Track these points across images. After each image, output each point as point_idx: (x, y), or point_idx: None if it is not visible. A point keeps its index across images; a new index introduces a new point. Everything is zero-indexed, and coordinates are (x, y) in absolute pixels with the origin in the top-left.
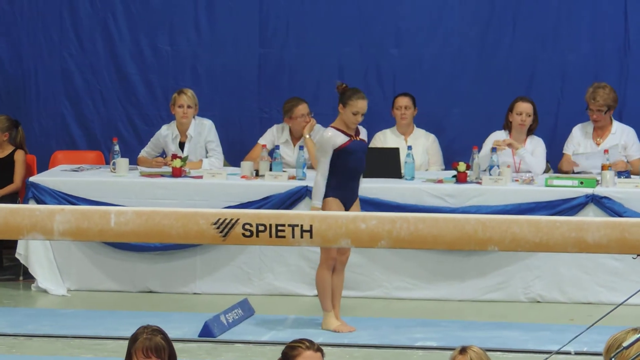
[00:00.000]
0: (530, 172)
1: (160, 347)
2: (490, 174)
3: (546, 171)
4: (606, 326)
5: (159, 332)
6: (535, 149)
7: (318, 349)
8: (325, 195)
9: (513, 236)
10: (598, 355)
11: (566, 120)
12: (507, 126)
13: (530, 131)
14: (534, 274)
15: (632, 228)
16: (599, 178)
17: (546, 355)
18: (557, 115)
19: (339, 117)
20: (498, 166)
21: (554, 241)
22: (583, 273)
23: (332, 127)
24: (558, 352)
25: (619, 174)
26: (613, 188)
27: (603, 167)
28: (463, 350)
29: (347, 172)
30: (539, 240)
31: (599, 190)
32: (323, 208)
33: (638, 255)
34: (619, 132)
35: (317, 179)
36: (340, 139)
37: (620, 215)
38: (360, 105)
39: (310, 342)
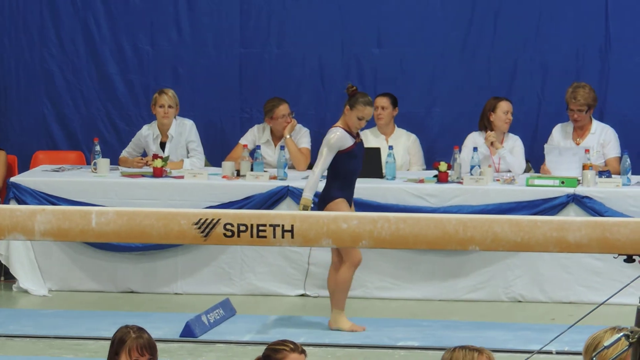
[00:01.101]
0: (510, 171)
1: (152, 344)
2: (472, 174)
3: (527, 171)
4: (587, 326)
5: (144, 330)
6: (513, 148)
7: (302, 350)
8: (333, 197)
9: (494, 236)
10: (579, 355)
11: (547, 120)
12: (485, 126)
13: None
14: (515, 273)
15: (613, 227)
16: (580, 178)
17: (527, 355)
18: (538, 115)
19: (343, 118)
20: (479, 166)
21: (535, 241)
22: (564, 273)
23: (339, 127)
24: (539, 352)
25: (600, 173)
26: (594, 188)
27: (584, 167)
28: (479, 351)
29: (351, 174)
30: (520, 239)
31: (580, 190)
32: (333, 209)
33: (619, 255)
34: (599, 131)
35: (315, 172)
36: (348, 142)
37: (601, 215)
38: (367, 112)
39: (294, 343)
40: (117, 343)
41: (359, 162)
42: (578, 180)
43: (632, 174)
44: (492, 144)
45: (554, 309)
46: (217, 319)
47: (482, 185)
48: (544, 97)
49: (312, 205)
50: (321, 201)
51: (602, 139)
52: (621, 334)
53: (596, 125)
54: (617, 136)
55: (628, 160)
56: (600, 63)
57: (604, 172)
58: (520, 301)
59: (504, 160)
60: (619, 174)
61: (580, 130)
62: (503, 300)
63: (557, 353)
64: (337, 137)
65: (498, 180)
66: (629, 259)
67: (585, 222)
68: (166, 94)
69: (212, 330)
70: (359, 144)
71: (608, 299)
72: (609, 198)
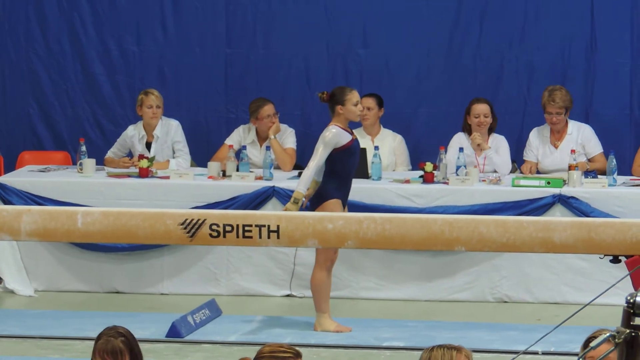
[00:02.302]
0: (496, 172)
1: (117, 350)
2: (457, 174)
3: (513, 171)
4: (573, 326)
5: (122, 334)
6: (498, 148)
7: (300, 354)
8: (328, 197)
9: (480, 236)
10: (565, 355)
11: (533, 120)
12: (466, 128)
13: (491, 130)
14: (500, 274)
15: (599, 228)
16: (565, 178)
17: (513, 355)
18: (524, 115)
19: (337, 119)
20: (465, 166)
21: (520, 241)
22: (550, 273)
23: (335, 125)
24: (525, 352)
25: (586, 174)
26: (580, 188)
27: (570, 167)
28: (457, 349)
29: (348, 172)
30: (505, 240)
31: (565, 190)
32: (327, 209)
33: (605, 255)
34: (575, 132)
35: (309, 167)
36: (345, 138)
37: (587, 215)
38: (357, 95)
39: (292, 348)
40: (95, 343)
41: (356, 160)
42: (564, 181)
43: (618, 174)
44: (478, 145)
45: (539, 310)
46: (203, 319)
47: (467, 185)
48: (530, 98)
49: (303, 199)
50: (315, 198)
51: (581, 139)
52: (607, 334)
53: (572, 126)
54: (594, 132)
55: (614, 160)
56: (586, 63)
57: (590, 173)
58: (506, 301)
59: (490, 161)
60: (604, 169)
61: (557, 133)
62: (489, 300)
63: (543, 354)
64: (333, 134)
65: (484, 180)
66: (615, 260)
67: (571, 222)
68: (153, 94)
69: (198, 330)
70: (355, 140)
71: (594, 300)
72: (595, 198)
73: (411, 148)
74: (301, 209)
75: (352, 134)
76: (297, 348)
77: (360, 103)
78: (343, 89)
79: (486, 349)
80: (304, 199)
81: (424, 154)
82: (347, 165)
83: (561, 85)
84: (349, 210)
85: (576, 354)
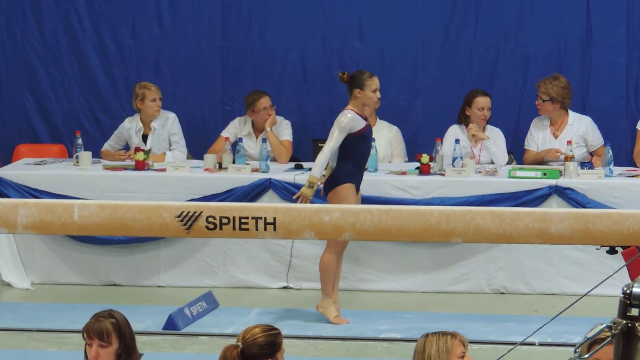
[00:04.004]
0: (493, 163)
1: (103, 330)
2: (454, 166)
3: (509, 162)
4: (570, 317)
5: (113, 317)
6: (495, 140)
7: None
8: (341, 182)
9: (476, 228)
10: (562, 346)
11: (529, 112)
12: (462, 120)
13: (487, 122)
14: (497, 265)
15: (596, 219)
16: (562, 169)
17: (510, 347)
18: (520, 107)
19: (354, 102)
20: (461, 158)
21: (517, 232)
22: (546, 264)
23: (351, 109)
24: (522, 344)
25: (582, 164)
26: (576, 179)
27: (566, 158)
28: (452, 335)
29: (362, 157)
30: (502, 231)
31: (562, 182)
32: (341, 193)
33: (601, 246)
34: (576, 122)
35: (324, 151)
36: (360, 123)
37: (583, 206)
38: (377, 81)
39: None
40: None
41: (369, 147)
42: (560, 172)
43: (614, 165)
44: (472, 136)
45: (536, 301)
46: (199, 311)
47: (464, 177)
48: (526, 89)
49: (318, 183)
50: (329, 183)
51: (582, 130)
52: (604, 325)
53: (573, 117)
54: (595, 125)
55: (610, 151)
56: (582, 55)
57: (586, 164)
58: (503, 293)
59: (489, 152)
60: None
61: (557, 124)
62: (486, 292)
63: (540, 344)
64: (348, 119)
65: (480, 172)
66: (612, 251)
67: (567, 213)
68: (152, 87)
69: (194, 322)
70: (369, 126)
71: (591, 291)
72: (592, 189)
73: (407, 140)
74: (317, 194)
75: (366, 119)
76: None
77: (377, 89)
78: (363, 73)
79: (483, 340)
80: (319, 183)
81: (420, 145)
82: (361, 150)
83: (559, 75)
84: None
85: (573, 345)
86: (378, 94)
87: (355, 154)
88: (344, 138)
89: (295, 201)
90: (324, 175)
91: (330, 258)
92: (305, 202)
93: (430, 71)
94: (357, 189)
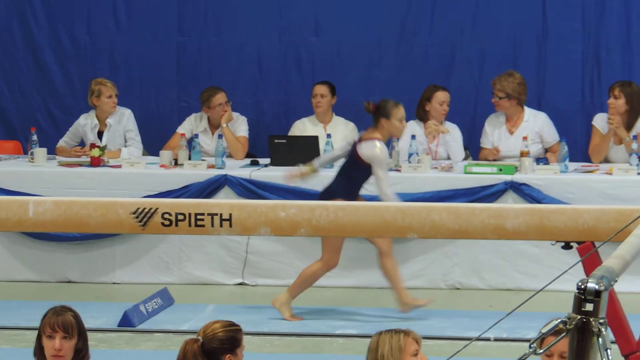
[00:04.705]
0: (449, 159)
1: (68, 323)
2: (410, 162)
3: (465, 158)
4: (525, 312)
5: (70, 310)
6: (452, 136)
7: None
8: (336, 197)
9: (432, 223)
10: (517, 342)
11: (485, 108)
12: (420, 115)
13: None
14: (453, 261)
15: (551, 215)
16: (517, 165)
17: (466, 342)
18: (476, 103)
19: (380, 131)
20: (417, 154)
21: (473, 228)
22: (502, 260)
23: (378, 140)
24: (478, 339)
25: (538, 160)
26: (532, 175)
27: (522, 154)
28: (405, 333)
29: (361, 182)
30: (458, 227)
31: (517, 177)
32: None
33: (557, 242)
34: (532, 119)
35: (388, 193)
36: (388, 153)
37: (539, 202)
38: (403, 110)
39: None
40: (41, 322)
41: (370, 174)
42: (516, 168)
43: (570, 160)
44: (430, 131)
45: (492, 296)
46: (155, 308)
47: (420, 173)
48: (482, 85)
49: (312, 173)
50: (324, 194)
51: (538, 126)
52: (558, 320)
53: (529, 113)
54: (551, 121)
55: (565, 147)
56: (537, 51)
57: (542, 160)
58: (458, 288)
59: (447, 147)
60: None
61: (512, 120)
62: (441, 287)
63: (495, 340)
64: (384, 152)
65: (436, 167)
66: (567, 246)
67: (523, 209)
68: (109, 84)
69: (150, 319)
70: None
71: (546, 286)
72: (547, 185)
73: None
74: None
75: None
76: (243, 336)
77: (404, 117)
78: (389, 103)
79: (439, 336)
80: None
81: None
82: (364, 176)
83: (512, 71)
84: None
85: (528, 340)
86: (404, 123)
87: (357, 178)
88: (360, 165)
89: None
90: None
91: (390, 262)
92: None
93: (386, 67)
94: None
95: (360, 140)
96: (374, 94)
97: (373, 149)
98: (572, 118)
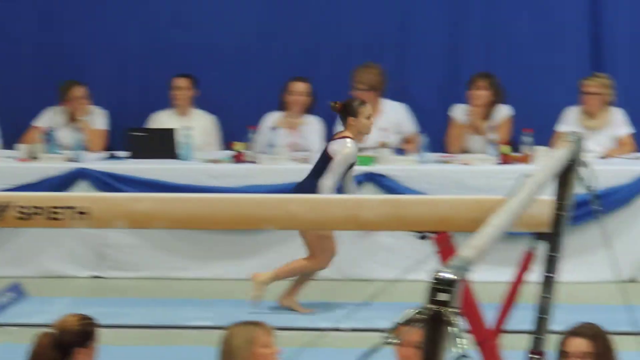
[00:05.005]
0: (307, 151)
1: None
2: (268, 154)
3: None
4: (381, 303)
5: None
6: (311, 128)
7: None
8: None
9: (289, 215)
10: (372, 332)
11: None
12: (282, 107)
13: (308, 110)
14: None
15: (408, 205)
16: (376, 155)
17: (319, 333)
18: (340, 95)
19: (350, 129)
20: (276, 145)
21: (330, 219)
22: (358, 250)
23: (349, 138)
24: (331, 330)
25: (396, 151)
26: (389, 166)
27: (380, 145)
28: (257, 324)
29: (343, 178)
30: (315, 218)
31: (376, 168)
32: None
33: (414, 232)
34: (391, 110)
35: (330, 186)
36: (356, 154)
37: (396, 193)
38: (369, 108)
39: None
40: None
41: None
42: (374, 159)
43: (428, 151)
44: (288, 124)
45: (347, 287)
46: (7, 301)
47: (278, 164)
48: (346, 78)
49: None
50: (298, 192)
51: (396, 117)
52: (413, 310)
53: (388, 104)
54: (409, 112)
55: (424, 138)
56: (398, 42)
57: (400, 151)
58: (314, 279)
59: (305, 138)
60: (417, 148)
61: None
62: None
63: (352, 330)
64: (351, 150)
65: (294, 159)
66: (423, 236)
67: (380, 200)
68: None
69: (2, 313)
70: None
71: (402, 276)
72: (404, 176)
73: (222, 128)
74: None
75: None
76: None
77: (371, 115)
78: (355, 102)
79: (292, 327)
80: None
81: (235, 133)
82: (347, 173)
83: (371, 63)
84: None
85: (383, 330)
86: (372, 120)
87: (342, 177)
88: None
89: None
90: None
91: (310, 266)
92: None
93: (248, 59)
94: None
95: (332, 139)
96: (234, 87)
97: (344, 147)
98: (430, 109)
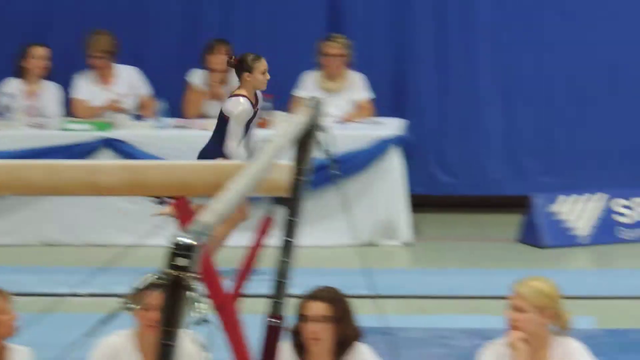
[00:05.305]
0: (44, 117)
1: None
2: (3, 119)
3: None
4: (119, 268)
5: None
6: (47, 93)
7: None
8: (217, 156)
9: (25, 180)
10: (110, 297)
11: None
12: (20, 72)
13: (44, 76)
14: (47, 217)
15: (146, 170)
16: (114, 121)
17: (58, 299)
18: (74, 64)
19: (244, 86)
20: (12, 110)
21: (67, 184)
22: (96, 215)
23: (242, 96)
24: (69, 295)
25: (136, 117)
26: (127, 131)
27: (116, 110)
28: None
29: (247, 137)
30: (53, 184)
31: (113, 134)
32: None
33: (152, 197)
34: (124, 73)
35: (234, 147)
36: (251, 112)
37: (135, 158)
38: (265, 62)
39: None
40: None
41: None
42: (112, 124)
43: (166, 116)
44: (26, 89)
45: (85, 252)
46: None
47: (14, 130)
48: (80, 44)
49: None
50: (201, 158)
51: (130, 81)
52: (152, 275)
53: (120, 68)
54: (143, 75)
55: (161, 103)
56: (134, 8)
57: (139, 116)
58: (52, 245)
59: (42, 103)
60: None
61: (105, 75)
62: (34, 244)
63: (89, 296)
64: (246, 109)
65: (31, 125)
66: (161, 201)
67: (117, 165)
68: None
69: None
70: (256, 111)
71: (139, 241)
72: (142, 142)
73: None
74: None
75: (255, 105)
76: None
77: (267, 70)
78: (248, 55)
79: (31, 292)
80: None
81: None
82: (248, 131)
83: (104, 30)
84: None
85: (122, 296)
86: (267, 75)
87: (241, 135)
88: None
89: None
90: None
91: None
92: None
93: None
94: None
95: (228, 97)
96: None
97: (237, 106)
98: (168, 73)
